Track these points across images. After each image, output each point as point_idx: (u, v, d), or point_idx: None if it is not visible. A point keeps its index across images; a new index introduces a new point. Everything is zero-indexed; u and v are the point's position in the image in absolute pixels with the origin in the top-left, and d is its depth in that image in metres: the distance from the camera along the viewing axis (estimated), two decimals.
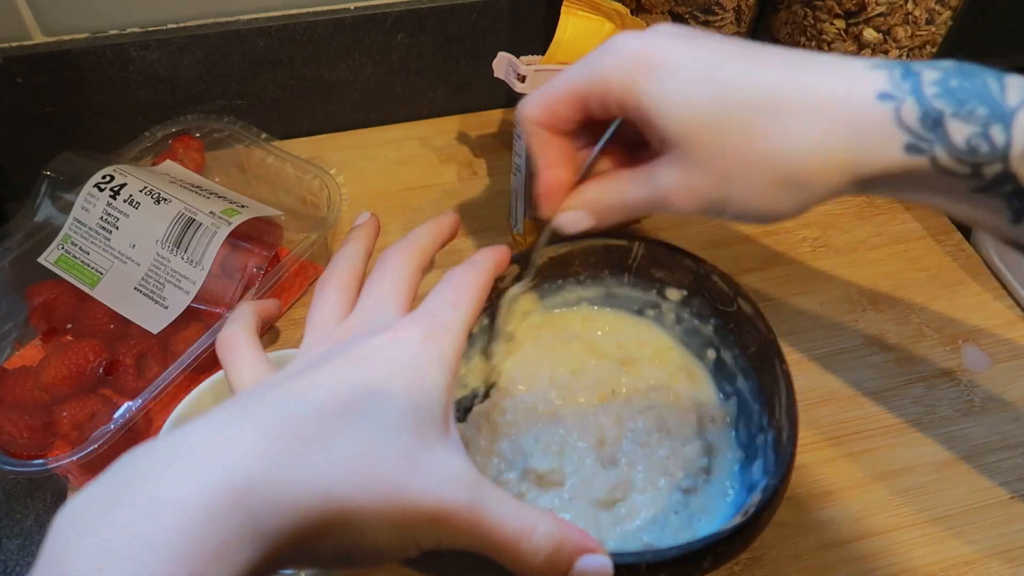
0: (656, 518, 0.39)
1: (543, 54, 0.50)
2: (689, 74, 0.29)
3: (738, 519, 0.33)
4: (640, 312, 0.47)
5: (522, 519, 0.26)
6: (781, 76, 0.28)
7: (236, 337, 0.32)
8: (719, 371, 0.45)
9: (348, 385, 0.26)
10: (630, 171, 0.33)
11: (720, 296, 0.44)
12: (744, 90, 0.28)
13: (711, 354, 0.45)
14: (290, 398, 0.25)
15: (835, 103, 0.27)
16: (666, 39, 0.30)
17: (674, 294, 0.45)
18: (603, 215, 0.34)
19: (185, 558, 0.20)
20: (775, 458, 0.38)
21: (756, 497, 0.35)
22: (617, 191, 0.33)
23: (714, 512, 0.40)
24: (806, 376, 0.51)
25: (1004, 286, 0.57)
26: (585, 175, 0.35)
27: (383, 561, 0.25)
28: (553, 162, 0.34)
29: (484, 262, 0.34)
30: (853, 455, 0.47)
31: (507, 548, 0.25)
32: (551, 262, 0.45)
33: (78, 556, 0.20)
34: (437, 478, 0.25)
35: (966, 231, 0.61)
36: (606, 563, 0.27)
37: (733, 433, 0.43)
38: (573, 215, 0.34)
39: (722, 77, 0.29)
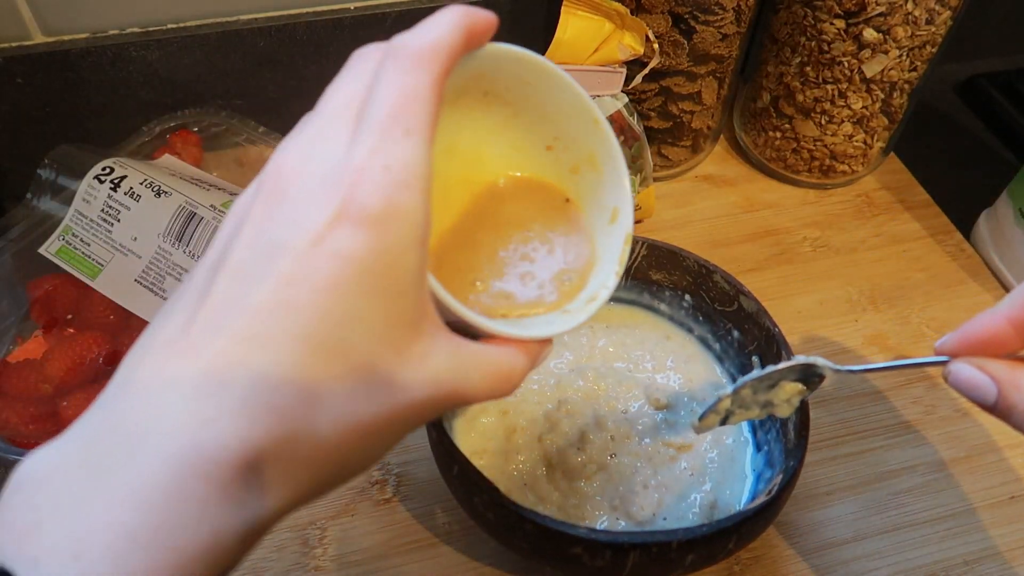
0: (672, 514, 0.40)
1: (543, 54, 0.50)
2: None
3: (761, 499, 0.34)
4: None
5: (501, 381, 0.25)
6: None
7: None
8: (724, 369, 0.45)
9: (305, 327, 0.20)
10: None
11: (720, 296, 0.44)
12: None
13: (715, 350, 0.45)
14: (253, 352, 0.20)
15: None
16: None
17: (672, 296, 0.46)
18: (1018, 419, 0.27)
19: (164, 549, 0.19)
20: (782, 447, 0.39)
21: (777, 477, 0.35)
22: None
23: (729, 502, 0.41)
24: None
25: (1004, 286, 0.57)
26: None
27: None
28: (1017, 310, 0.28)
29: (442, 37, 0.23)
30: (853, 455, 0.47)
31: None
32: None
33: (52, 538, 0.18)
34: (421, 391, 0.23)
35: (966, 231, 0.61)
36: None
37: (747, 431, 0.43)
38: (976, 377, 0.28)
39: None
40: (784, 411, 0.36)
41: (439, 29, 0.23)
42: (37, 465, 0.20)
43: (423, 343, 0.23)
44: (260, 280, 0.21)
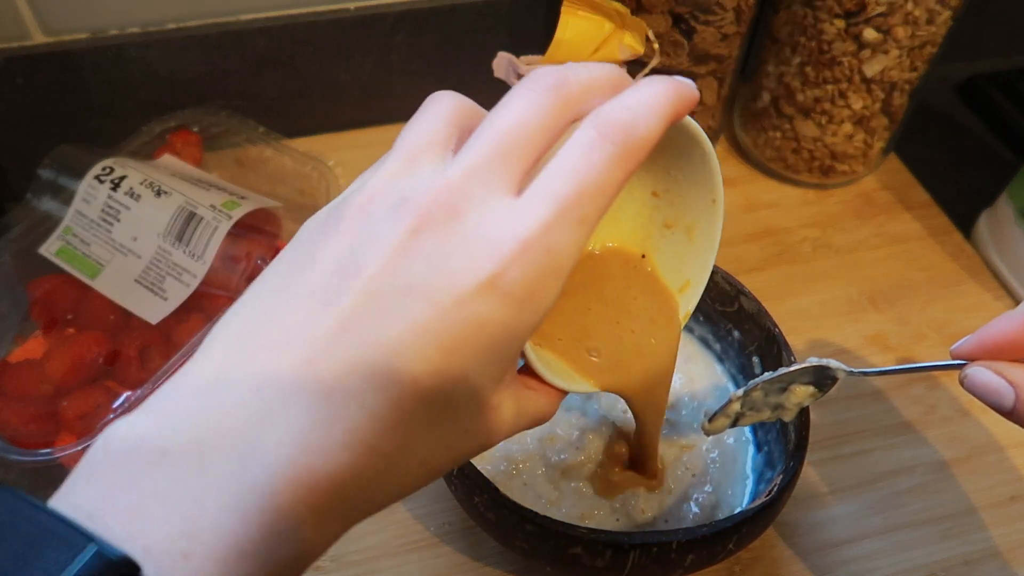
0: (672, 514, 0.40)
1: (543, 54, 0.50)
2: None
3: (761, 500, 0.34)
4: None
5: (537, 422, 0.27)
6: None
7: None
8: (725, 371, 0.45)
9: (422, 382, 0.21)
10: None
11: (721, 296, 0.44)
12: None
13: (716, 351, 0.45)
14: (371, 392, 0.21)
15: None
16: None
17: None
18: None
19: (265, 562, 0.20)
20: (782, 447, 0.39)
21: (778, 478, 0.35)
22: None
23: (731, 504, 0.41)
24: None
25: (1004, 286, 0.57)
26: None
27: None
28: None
29: (653, 132, 0.23)
30: (853, 455, 0.47)
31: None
32: None
33: (162, 530, 0.19)
34: (487, 439, 0.25)
35: (966, 231, 0.61)
36: None
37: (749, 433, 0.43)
38: (994, 381, 0.28)
39: None
40: (793, 414, 0.36)
41: (654, 120, 0.23)
42: (141, 438, 0.20)
43: (499, 395, 0.24)
44: (392, 316, 0.21)
